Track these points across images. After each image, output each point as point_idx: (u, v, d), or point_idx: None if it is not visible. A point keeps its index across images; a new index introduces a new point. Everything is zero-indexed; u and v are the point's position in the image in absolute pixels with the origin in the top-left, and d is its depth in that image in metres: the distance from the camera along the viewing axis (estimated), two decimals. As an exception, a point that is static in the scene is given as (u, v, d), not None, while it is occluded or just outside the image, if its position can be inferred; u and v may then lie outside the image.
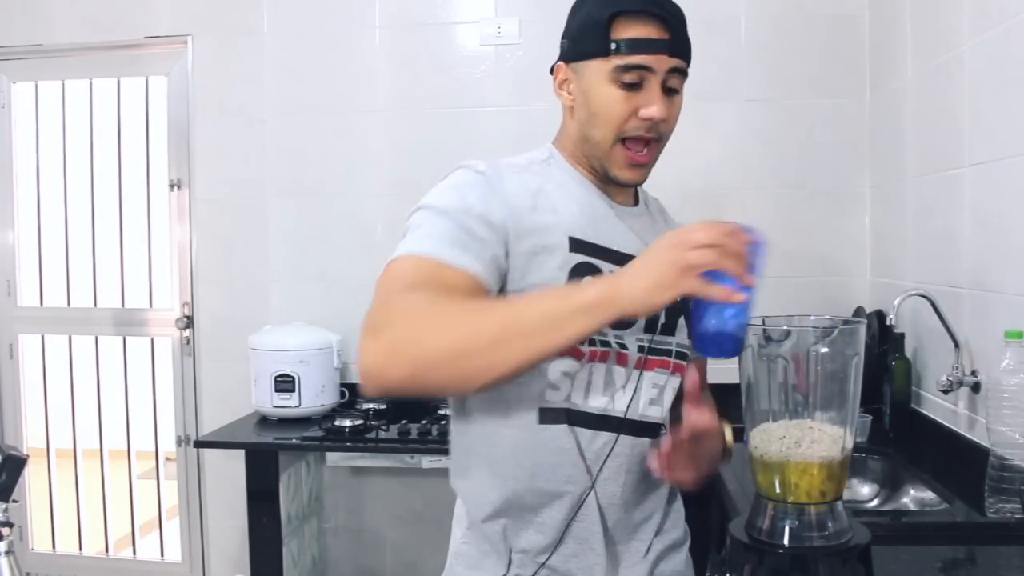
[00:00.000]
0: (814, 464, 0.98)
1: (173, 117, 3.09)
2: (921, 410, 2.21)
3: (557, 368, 1.12)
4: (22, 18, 3.11)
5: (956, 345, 1.93)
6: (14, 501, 1.12)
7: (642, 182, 1.20)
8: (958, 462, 1.88)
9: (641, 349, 1.17)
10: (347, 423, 2.57)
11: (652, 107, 1.12)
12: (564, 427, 1.13)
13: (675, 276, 0.91)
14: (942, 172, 2.08)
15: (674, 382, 1.20)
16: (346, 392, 2.87)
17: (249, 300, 3.03)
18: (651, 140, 1.15)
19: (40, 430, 3.33)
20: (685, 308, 1.16)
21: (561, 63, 1.19)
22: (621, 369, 1.16)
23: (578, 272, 1.12)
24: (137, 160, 3.21)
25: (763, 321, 1.02)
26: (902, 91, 2.38)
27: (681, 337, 1.20)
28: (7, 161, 3.22)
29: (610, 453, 1.15)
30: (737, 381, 1.05)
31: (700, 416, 1.07)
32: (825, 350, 0.99)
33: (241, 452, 2.62)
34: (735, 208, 2.78)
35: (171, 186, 3.09)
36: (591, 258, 1.14)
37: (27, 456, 1.14)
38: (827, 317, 1.08)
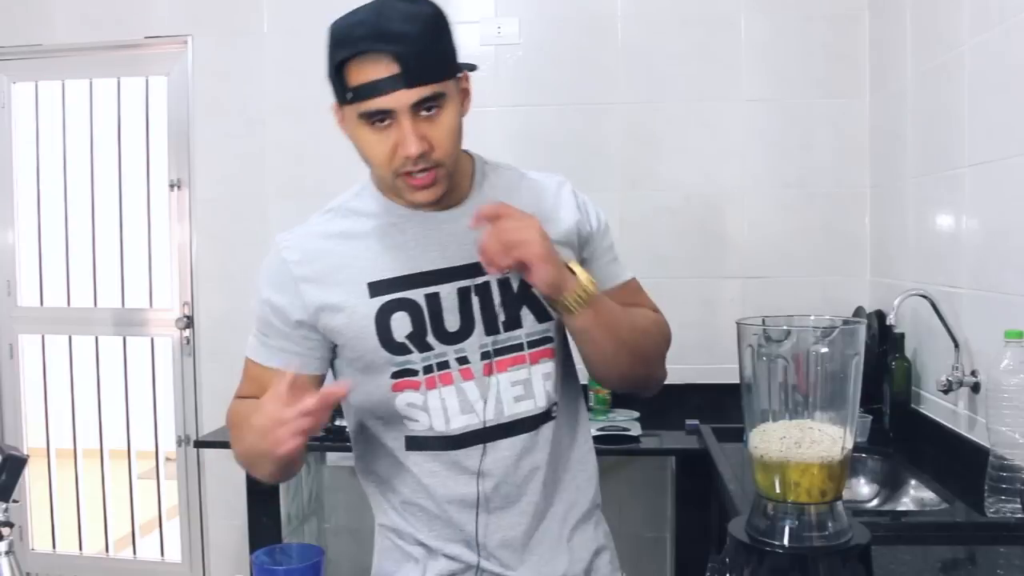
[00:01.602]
0: (814, 464, 0.98)
1: (173, 117, 3.09)
2: (921, 410, 2.21)
3: (403, 401, 1.19)
4: (22, 18, 3.11)
5: (956, 345, 1.93)
6: (14, 501, 1.11)
7: (437, 199, 1.15)
8: (958, 462, 1.88)
9: (486, 355, 1.18)
10: (347, 423, 2.57)
11: (405, 146, 1.08)
12: (432, 453, 1.19)
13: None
14: (942, 172, 2.08)
15: (543, 368, 1.21)
16: (346, 392, 2.86)
17: (249, 300, 3.01)
18: (426, 169, 1.11)
19: (40, 430, 3.33)
20: (527, 292, 1.18)
21: (335, 102, 1.16)
22: (470, 383, 1.18)
23: (388, 310, 1.16)
24: (137, 160, 3.21)
25: (763, 321, 1.02)
26: (902, 91, 2.38)
27: (529, 325, 1.19)
28: (7, 161, 3.22)
29: (494, 461, 1.18)
30: (737, 381, 1.05)
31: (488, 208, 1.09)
32: (825, 350, 0.99)
33: (241, 452, 2.62)
34: (735, 208, 2.79)
35: (171, 186, 3.09)
36: (396, 293, 1.17)
37: (27, 456, 1.13)
38: (827, 317, 1.08)
